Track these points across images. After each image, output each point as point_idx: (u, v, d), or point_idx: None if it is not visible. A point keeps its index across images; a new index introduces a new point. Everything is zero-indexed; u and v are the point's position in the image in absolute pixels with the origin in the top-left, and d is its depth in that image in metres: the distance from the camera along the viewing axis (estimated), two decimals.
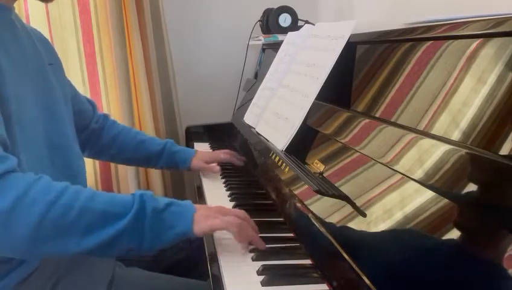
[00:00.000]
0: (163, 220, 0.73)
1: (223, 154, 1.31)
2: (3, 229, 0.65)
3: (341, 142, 0.82)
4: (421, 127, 0.65)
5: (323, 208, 0.75)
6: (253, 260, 0.76)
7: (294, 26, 1.72)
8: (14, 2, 0.88)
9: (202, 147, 1.62)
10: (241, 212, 0.81)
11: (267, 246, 0.79)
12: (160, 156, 1.26)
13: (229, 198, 1.08)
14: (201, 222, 0.75)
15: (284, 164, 0.96)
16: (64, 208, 0.67)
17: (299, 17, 1.74)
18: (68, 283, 0.84)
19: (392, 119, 0.73)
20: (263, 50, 1.85)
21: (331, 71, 0.93)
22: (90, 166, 1.74)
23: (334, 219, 0.71)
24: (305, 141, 0.96)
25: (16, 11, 0.90)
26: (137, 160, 1.30)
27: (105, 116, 1.28)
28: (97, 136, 1.23)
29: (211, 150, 1.56)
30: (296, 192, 0.87)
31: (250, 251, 0.78)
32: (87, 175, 1.70)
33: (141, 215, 0.71)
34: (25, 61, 0.87)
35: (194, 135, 1.77)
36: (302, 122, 0.97)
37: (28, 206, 0.66)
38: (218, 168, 1.25)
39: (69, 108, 1.03)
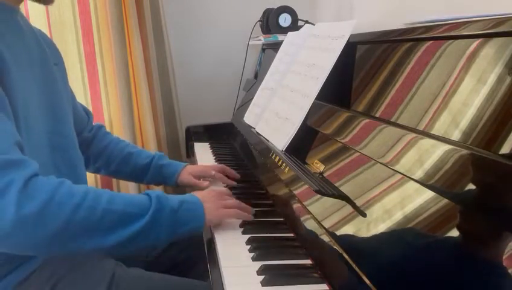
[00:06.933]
0: (179, 218, 0.80)
1: (215, 171, 1.19)
2: (30, 231, 0.68)
3: (341, 142, 0.82)
4: (421, 127, 0.65)
5: (323, 208, 0.75)
6: (253, 260, 0.76)
7: (294, 26, 1.72)
8: (20, 3, 0.88)
9: (202, 147, 1.62)
10: (234, 202, 0.92)
11: (267, 245, 0.80)
12: (146, 170, 1.19)
13: None
14: (211, 214, 0.84)
15: (284, 164, 0.96)
16: (89, 209, 0.72)
17: (299, 17, 1.74)
18: (68, 283, 0.84)
19: (392, 119, 0.73)
20: (263, 50, 1.85)
21: (331, 71, 0.93)
22: None
23: (334, 219, 0.71)
24: (305, 141, 0.96)
25: None
26: (124, 173, 1.22)
27: (99, 127, 1.23)
28: (86, 145, 1.18)
29: (211, 150, 1.56)
30: (296, 192, 0.87)
31: (250, 251, 0.78)
32: (87, 177, 1.70)
33: (159, 215, 0.78)
34: (30, 61, 0.87)
35: (194, 135, 1.77)
36: (302, 122, 0.97)
37: (55, 209, 0.69)
38: (207, 183, 1.16)
39: (70, 109, 1.03)
